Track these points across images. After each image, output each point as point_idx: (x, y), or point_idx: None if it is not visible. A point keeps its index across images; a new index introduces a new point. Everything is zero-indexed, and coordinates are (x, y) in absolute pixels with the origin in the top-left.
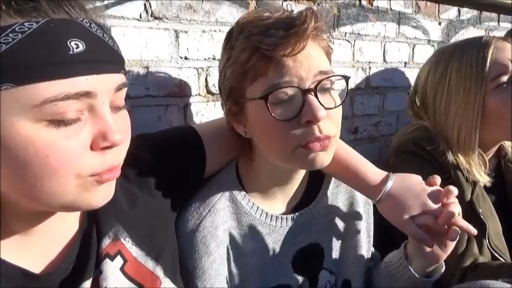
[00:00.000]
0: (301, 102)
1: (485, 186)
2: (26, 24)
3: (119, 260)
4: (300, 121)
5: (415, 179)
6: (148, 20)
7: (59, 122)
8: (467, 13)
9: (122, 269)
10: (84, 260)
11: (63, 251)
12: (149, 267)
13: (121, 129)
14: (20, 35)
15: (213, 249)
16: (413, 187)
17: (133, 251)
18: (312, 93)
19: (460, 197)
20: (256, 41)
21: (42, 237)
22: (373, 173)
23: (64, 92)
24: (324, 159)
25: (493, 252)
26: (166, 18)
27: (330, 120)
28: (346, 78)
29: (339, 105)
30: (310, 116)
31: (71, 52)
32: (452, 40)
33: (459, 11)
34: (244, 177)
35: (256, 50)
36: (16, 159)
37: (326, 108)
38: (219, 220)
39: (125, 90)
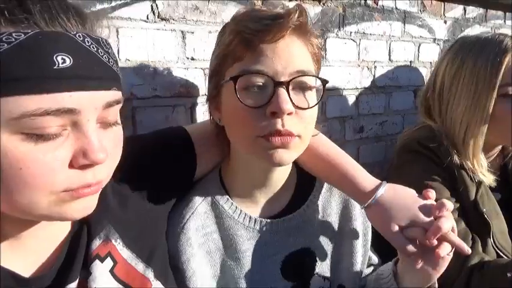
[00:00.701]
0: (271, 92)
1: (490, 186)
2: (14, 34)
3: (108, 262)
4: (266, 112)
5: (409, 192)
6: (155, 21)
7: (37, 136)
8: (473, 11)
9: (111, 271)
10: (70, 261)
11: (53, 253)
12: (139, 270)
13: (106, 147)
14: (5, 45)
15: (197, 251)
16: (405, 198)
17: (124, 252)
18: (284, 86)
19: (465, 197)
20: (241, 26)
21: (33, 240)
22: (365, 178)
23: (43, 107)
24: (283, 156)
25: (498, 251)
26: (173, 19)
27: (298, 120)
28: (323, 82)
29: (312, 107)
30: (275, 107)
31: (55, 67)
32: None
33: (465, 9)
34: (227, 180)
35: (239, 34)
36: None
37: (296, 107)
38: (200, 223)
39: (117, 107)
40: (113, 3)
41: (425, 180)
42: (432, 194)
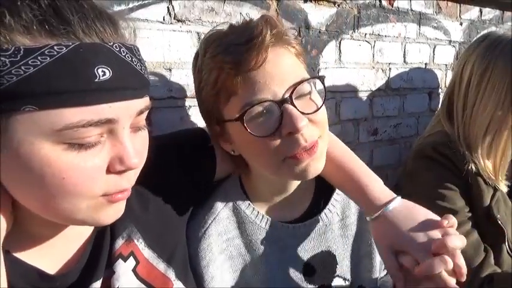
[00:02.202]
0: (279, 113)
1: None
2: (55, 48)
3: (131, 261)
4: (282, 133)
5: (423, 213)
6: (171, 23)
7: (79, 145)
8: (489, 13)
9: (134, 270)
10: (95, 260)
11: (78, 252)
12: (161, 269)
13: (139, 152)
14: (48, 58)
15: (218, 257)
16: (414, 220)
17: (146, 252)
18: (289, 102)
19: (479, 203)
20: (219, 61)
21: (59, 239)
22: (379, 190)
23: (86, 119)
24: (315, 166)
25: None
26: (189, 21)
27: (313, 124)
28: (322, 79)
29: (320, 107)
30: (290, 128)
31: (96, 80)
32: None
33: (481, 11)
34: (247, 186)
35: (221, 70)
36: (31, 177)
37: (306, 114)
38: (222, 229)
39: (146, 112)
40: (130, 5)
41: (438, 188)
42: (448, 222)
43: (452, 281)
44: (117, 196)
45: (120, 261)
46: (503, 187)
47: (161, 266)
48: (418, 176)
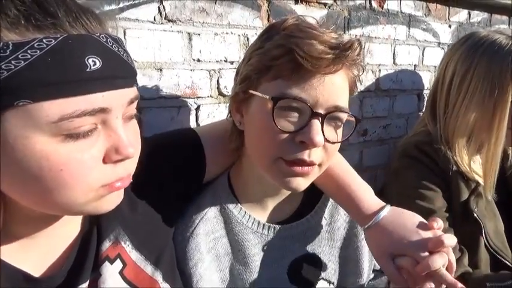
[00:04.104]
0: (305, 122)
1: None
2: (44, 40)
3: (118, 264)
4: (295, 138)
5: (412, 218)
6: (162, 23)
7: (75, 136)
8: (478, 16)
9: (121, 272)
10: (81, 262)
11: (63, 254)
12: (148, 272)
13: (132, 141)
14: (38, 51)
15: (206, 256)
16: (405, 225)
17: (133, 254)
18: (320, 118)
19: (457, 198)
20: (294, 43)
21: (44, 240)
22: (369, 199)
23: (80, 109)
24: (300, 184)
25: (493, 251)
26: (180, 21)
27: (323, 150)
28: (357, 120)
29: (339, 142)
30: (307, 138)
31: (88, 69)
32: None
33: (469, 14)
34: (236, 185)
35: (290, 52)
36: (28, 172)
37: (326, 140)
38: (210, 228)
39: (136, 102)
40: (121, 5)
41: (419, 188)
42: (437, 224)
43: (450, 275)
44: (117, 184)
45: (106, 263)
46: (488, 196)
47: (148, 268)
48: (400, 175)
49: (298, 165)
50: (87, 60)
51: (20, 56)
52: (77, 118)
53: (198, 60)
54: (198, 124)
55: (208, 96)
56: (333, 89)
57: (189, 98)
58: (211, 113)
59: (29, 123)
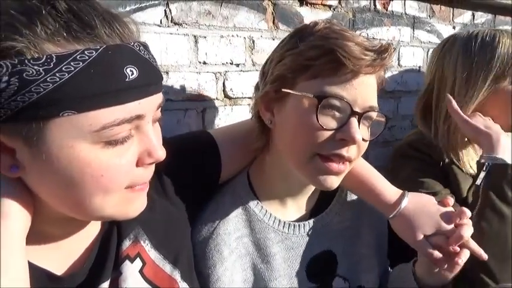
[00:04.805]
0: (345, 120)
1: None
2: (86, 52)
3: (138, 262)
4: (335, 136)
5: (429, 199)
6: (168, 26)
7: (113, 143)
8: (482, 17)
9: (140, 271)
10: (102, 261)
11: (85, 253)
12: (167, 271)
13: (161, 144)
14: (81, 63)
15: (226, 257)
16: (427, 207)
17: (152, 253)
18: (357, 117)
19: (456, 193)
20: (334, 44)
21: (66, 240)
22: (389, 190)
23: (120, 117)
24: (333, 182)
25: None
26: (186, 24)
27: (357, 148)
28: (387, 119)
29: (370, 140)
30: (348, 136)
31: (127, 79)
32: None
33: (473, 15)
34: (256, 184)
35: (331, 52)
36: (71, 179)
37: (362, 138)
38: (232, 228)
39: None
40: (128, 8)
41: (418, 178)
42: (451, 201)
43: (478, 248)
44: (139, 187)
45: (127, 262)
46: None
47: (167, 267)
48: (397, 171)
49: (335, 161)
50: (126, 70)
51: (63, 69)
52: (116, 126)
53: (204, 63)
54: (204, 127)
55: (214, 99)
56: (369, 89)
57: (195, 100)
58: (217, 116)
59: (73, 132)
